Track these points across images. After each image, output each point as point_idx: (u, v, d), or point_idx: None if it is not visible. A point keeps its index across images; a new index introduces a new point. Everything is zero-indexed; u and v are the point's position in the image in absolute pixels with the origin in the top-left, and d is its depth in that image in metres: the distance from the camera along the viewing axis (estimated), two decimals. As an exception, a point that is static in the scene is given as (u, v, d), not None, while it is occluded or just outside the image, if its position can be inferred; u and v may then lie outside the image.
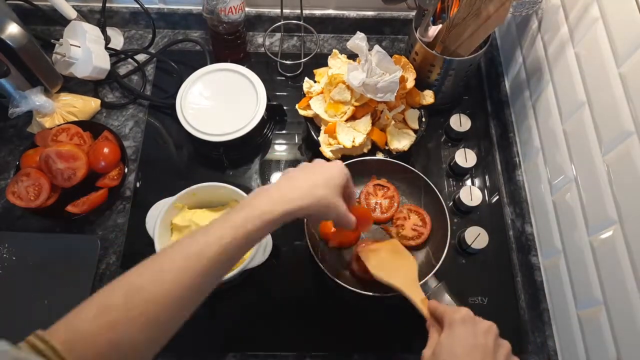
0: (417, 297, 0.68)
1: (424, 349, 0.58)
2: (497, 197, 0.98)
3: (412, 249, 0.83)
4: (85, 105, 0.99)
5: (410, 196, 0.89)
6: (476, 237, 0.87)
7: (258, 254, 0.79)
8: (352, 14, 1.11)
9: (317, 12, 1.11)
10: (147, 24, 1.10)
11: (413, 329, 0.80)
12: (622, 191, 0.66)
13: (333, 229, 0.81)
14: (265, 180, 0.97)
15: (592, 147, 0.72)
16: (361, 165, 0.86)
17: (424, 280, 0.75)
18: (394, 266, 0.75)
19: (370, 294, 0.75)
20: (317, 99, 0.91)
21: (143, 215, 0.82)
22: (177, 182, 0.92)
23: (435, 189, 0.84)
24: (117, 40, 1.10)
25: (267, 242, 0.81)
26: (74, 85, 1.03)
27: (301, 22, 1.09)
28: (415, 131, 0.93)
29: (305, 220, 0.81)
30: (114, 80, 1.05)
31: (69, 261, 0.85)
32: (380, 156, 0.90)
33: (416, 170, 0.86)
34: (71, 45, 0.95)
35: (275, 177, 0.97)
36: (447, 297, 0.72)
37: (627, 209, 0.65)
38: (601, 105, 0.71)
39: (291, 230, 0.91)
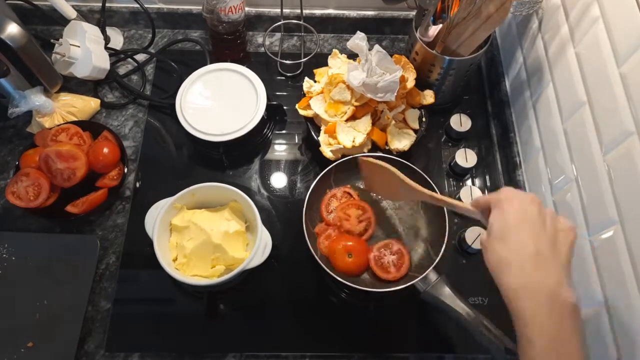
0: (425, 197, 0.70)
1: (481, 237, 0.58)
2: (498, 197, 0.97)
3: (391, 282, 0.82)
4: (84, 105, 0.99)
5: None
6: (476, 237, 0.87)
7: (257, 254, 0.79)
8: (352, 13, 1.11)
9: (317, 11, 1.10)
10: (147, 23, 1.10)
11: (413, 329, 0.81)
12: (623, 191, 0.66)
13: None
14: (265, 180, 0.97)
15: (592, 147, 0.72)
16: (354, 163, 0.86)
17: (424, 274, 0.75)
18: (388, 186, 0.78)
19: (367, 289, 0.76)
20: (317, 98, 0.91)
21: (143, 215, 0.82)
22: (176, 182, 0.92)
23: (431, 182, 0.83)
24: (117, 40, 1.10)
25: (267, 242, 0.81)
26: (73, 85, 1.03)
27: (301, 22, 1.09)
28: (415, 131, 0.92)
29: (304, 219, 0.81)
30: (113, 80, 1.05)
31: (69, 261, 0.85)
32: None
33: (412, 165, 0.85)
34: (71, 45, 0.95)
35: (275, 177, 0.97)
36: (447, 290, 0.73)
37: (627, 209, 0.65)
38: (602, 105, 0.71)
39: (291, 230, 0.91)
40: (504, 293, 0.53)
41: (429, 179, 0.84)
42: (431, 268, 0.76)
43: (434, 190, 0.82)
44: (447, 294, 0.73)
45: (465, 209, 0.63)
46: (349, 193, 0.88)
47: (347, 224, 0.85)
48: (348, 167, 0.86)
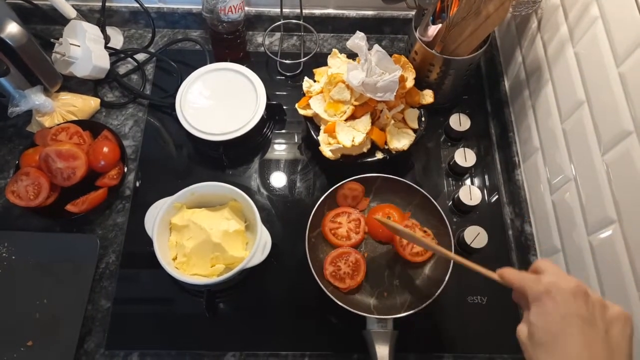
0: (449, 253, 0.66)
1: (519, 325, 0.50)
2: (497, 196, 0.98)
3: (419, 265, 0.85)
4: (84, 105, 0.99)
5: (415, 217, 0.89)
6: (475, 236, 0.87)
7: (257, 254, 0.79)
8: (352, 13, 1.11)
9: (317, 11, 1.11)
10: (147, 23, 1.10)
11: (412, 328, 0.81)
12: (622, 190, 0.66)
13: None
14: (264, 179, 0.97)
15: (591, 147, 0.72)
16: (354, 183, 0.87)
17: (386, 317, 0.76)
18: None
19: (359, 313, 0.76)
20: (317, 98, 0.91)
21: (142, 215, 0.82)
22: (176, 181, 0.92)
23: (436, 203, 0.84)
24: (117, 39, 1.10)
25: (267, 241, 0.81)
26: (73, 84, 1.03)
27: (301, 22, 1.09)
28: (414, 131, 0.93)
29: (308, 225, 0.82)
30: (113, 80, 1.05)
31: (69, 260, 0.85)
32: (379, 155, 0.90)
33: (413, 184, 0.86)
34: (71, 44, 0.95)
35: (275, 176, 0.97)
36: (384, 348, 0.72)
37: (626, 208, 0.65)
38: (600, 105, 0.71)
39: (291, 230, 0.91)
40: None
41: (439, 208, 0.84)
42: (401, 315, 0.75)
43: (431, 205, 0.84)
44: (382, 352, 0.72)
45: (491, 277, 0.55)
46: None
47: (339, 231, 0.86)
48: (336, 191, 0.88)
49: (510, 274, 0.51)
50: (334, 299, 0.76)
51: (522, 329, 0.49)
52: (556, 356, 0.45)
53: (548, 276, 0.48)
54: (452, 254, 0.65)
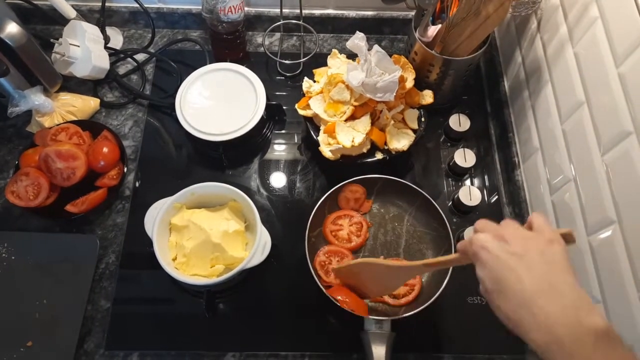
0: (419, 271, 0.66)
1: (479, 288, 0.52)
2: (496, 197, 0.98)
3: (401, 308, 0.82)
4: (84, 105, 0.99)
5: (417, 219, 0.90)
6: (475, 236, 0.87)
7: (257, 254, 0.79)
8: (352, 13, 1.11)
9: (317, 11, 1.11)
10: (147, 23, 1.10)
11: (412, 328, 0.81)
12: (621, 191, 0.66)
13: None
14: (264, 179, 0.97)
15: (591, 147, 0.72)
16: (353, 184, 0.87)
17: (382, 319, 0.74)
18: (376, 282, 0.74)
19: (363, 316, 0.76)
20: (317, 98, 0.91)
21: (142, 215, 0.82)
22: (176, 181, 0.92)
23: (437, 206, 0.84)
24: (117, 39, 1.10)
25: (266, 241, 0.81)
26: (73, 84, 1.03)
27: (301, 22, 1.09)
28: (414, 131, 0.93)
29: (308, 225, 0.82)
30: (113, 80, 1.05)
31: (68, 260, 0.85)
32: (379, 156, 0.90)
33: (415, 187, 0.86)
34: (70, 44, 0.95)
35: (275, 176, 0.97)
36: (381, 349, 0.72)
37: (626, 209, 0.65)
38: (600, 105, 0.71)
39: (290, 230, 0.91)
40: (535, 351, 0.46)
41: (439, 210, 0.84)
42: (398, 317, 0.75)
43: (430, 205, 0.84)
44: (379, 353, 0.72)
45: (454, 260, 0.58)
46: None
47: (340, 234, 0.86)
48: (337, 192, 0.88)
49: (459, 244, 0.55)
50: (332, 299, 0.76)
51: (480, 287, 0.52)
52: (506, 296, 0.48)
53: (479, 231, 0.52)
54: (417, 263, 0.64)
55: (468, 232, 0.88)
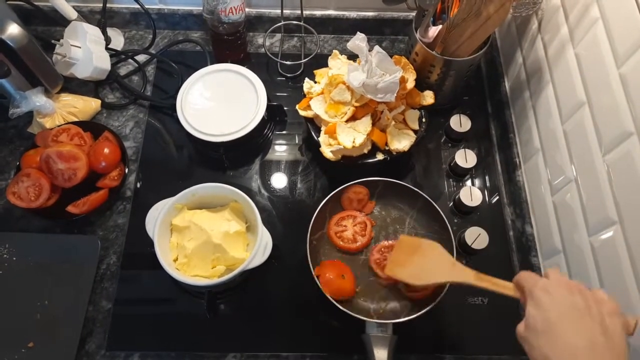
0: (468, 277, 0.65)
1: (517, 326, 0.53)
2: (497, 197, 0.98)
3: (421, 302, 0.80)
4: (85, 106, 0.99)
5: (418, 221, 0.90)
6: (476, 237, 0.87)
7: (258, 255, 0.79)
8: (353, 14, 1.11)
9: (318, 12, 1.11)
10: (148, 24, 1.10)
11: (413, 329, 0.81)
12: (623, 191, 0.66)
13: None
14: (265, 180, 0.97)
15: (592, 148, 0.72)
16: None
17: (387, 321, 0.75)
18: (425, 264, 0.73)
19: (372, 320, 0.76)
20: (318, 99, 0.91)
21: (143, 216, 0.82)
22: (177, 182, 0.92)
23: (438, 208, 0.84)
24: (118, 40, 1.10)
25: (267, 242, 0.81)
26: (74, 85, 1.03)
27: (301, 23, 1.09)
28: (415, 132, 0.93)
29: (310, 228, 0.82)
30: (114, 81, 1.05)
31: (70, 261, 0.85)
32: (380, 156, 0.90)
33: (416, 189, 0.86)
34: (72, 45, 0.95)
35: (276, 177, 0.97)
36: (383, 352, 0.72)
37: (627, 209, 0.65)
38: (601, 106, 0.71)
39: (292, 231, 0.91)
40: None
41: (441, 213, 0.84)
42: (401, 320, 0.75)
43: (432, 208, 0.84)
44: (381, 356, 0.72)
45: (505, 287, 0.58)
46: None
47: (345, 234, 0.86)
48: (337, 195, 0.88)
49: (519, 276, 0.55)
50: (334, 302, 0.76)
51: (520, 325, 0.52)
52: (555, 341, 0.47)
53: (547, 276, 0.53)
54: (471, 270, 0.65)
55: (470, 233, 0.88)
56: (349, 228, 0.87)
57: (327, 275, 0.78)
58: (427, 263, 0.74)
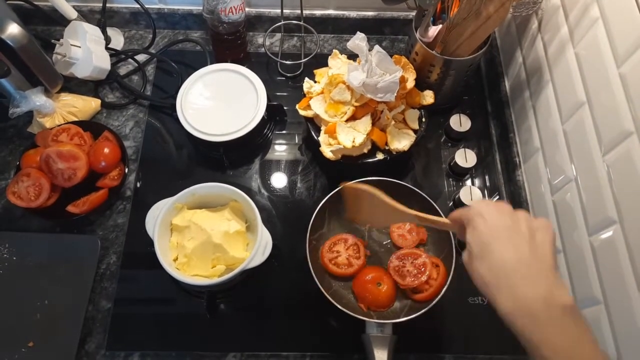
0: (410, 219, 0.66)
1: (462, 255, 0.56)
2: (497, 197, 0.98)
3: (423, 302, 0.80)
4: (85, 106, 0.99)
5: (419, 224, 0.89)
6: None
7: (258, 254, 0.79)
8: (352, 14, 1.11)
9: (317, 12, 1.11)
10: (148, 24, 1.10)
11: (413, 329, 0.81)
12: (622, 191, 0.66)
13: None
14: (265, 180, 0.97)
15: (592, 147, 0.72)
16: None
17: (385, 322, 0.74)
18: (372, 212, 0.73)
19: (363, 318, 0.76)
20: (317, 99, 0.91)
21: (143, 215, 0.82)
22: (177, 182, 0.92)
23: (437, 207, 0.84)
24: (118, 40, 1.10)
25: (267, 242, 0.81)
26: (74, 85, 1.03)
27: (301, 23, 1.09)
28: (415, 131, 0.93)
29: (309, 228, 0.82)
30: (114, 81, 1.05)
31: (70, 261, 0.85)
32: (379, 156, 0.90)
33: (415, 188, 0.86)
34: (71, 45, 0.95)
35: (276, 177, 0.97)
36: (383, 353, 0.72)
37: (627, 209, 0.65)
38: (601, 105, 0.71)
39: (291, 231, 0.91)
40: (501, 316, 0.50)
41: (422, 194, 0.84)
42: (400, 320, 0.75)
43: (431, 207, 0.83)
44: (381, 357, 0.72)
45: (444, 224, 0.60)
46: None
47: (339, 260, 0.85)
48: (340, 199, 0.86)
49: (453, 212, 0.58)
50: (334, 302, 0.76)
51: (464, 253, 0.55)
52: (489, 262, 0.51)
53: (477, 203, 0.56)
54: (411, 211, 0.65)
55: (463, 192, 0.88)
56: (342, 253, 0.86)
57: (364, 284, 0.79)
58: (372, 211, 0.74)
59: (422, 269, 0.81)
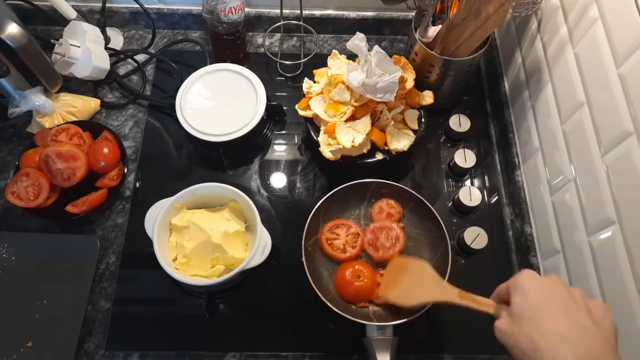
0: (452, 296, 0.65)
1: (495, 322, 0.53)
2: (497, 197, 0.98)
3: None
4: (84, 105, 0.99)
5: (411, 221, 0.89)
6: (475, 237, 0.87)
7: (257, 254, 0.79)
8: (352, 14, 1.11)
9: (317, 12, 1.11)
10: (147, 24, 1.10)
11: (413, 329, 0.81)
12: (621, 191, 0.66)
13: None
14: (264, 180, 0.97)
15: (591, 148, 0.72)
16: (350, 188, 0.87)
17: (385, 324, 0.75)
18: (413, 284, 0.73)
19: (364, 322, 0.76)
20: (317, 99, 0.91)
21: (143, 215, 0.82)
22: (176, 182, 0.92)
23: (430, 206, 0.84)
24: (117, 40, 1.10)
25: (267, 242, 0.81)
26: (73, 85, 1.03)
27: (301, 23, 1.09)
28: (414, 131, 0.93)
29: (304, 234, 0.82)
30: (113, 81, 1.05)
31: (69, 261, 0.85)
32: (379, 156, 0.90)
33: (408, 189, 0.87)
34: (71, 45, 0.95)
35: (275, 177, 0.97)
36: (385, 355, 0.72)
37: (626, 209, 0.65)
38: (600, 106, 0.71)
39: (291, 231, 0.91)
40: None
41: (434, 211, 0.84)
42: (400, 321, 0.75)
43: (429, 211, 0.84)
44: (383, 359, 0.72)
45: (487, 305, 0.58)
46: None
47: (337, 242, 0.86)
48: (341, 197, 0.88)
49: (499, 287, 0.55)
50: (332, 307, 0.76)
51: (499, 321, 0.51)
52: (540, 324, 0.47)
53: (527, 272, 0.53)
54: (454, 288, 0.65)
55: (469, 233, 0.88)
56: (341, 237, 0.86)
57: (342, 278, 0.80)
58: (414, 283, 0.73)
59: (395, 242, 0.84)
